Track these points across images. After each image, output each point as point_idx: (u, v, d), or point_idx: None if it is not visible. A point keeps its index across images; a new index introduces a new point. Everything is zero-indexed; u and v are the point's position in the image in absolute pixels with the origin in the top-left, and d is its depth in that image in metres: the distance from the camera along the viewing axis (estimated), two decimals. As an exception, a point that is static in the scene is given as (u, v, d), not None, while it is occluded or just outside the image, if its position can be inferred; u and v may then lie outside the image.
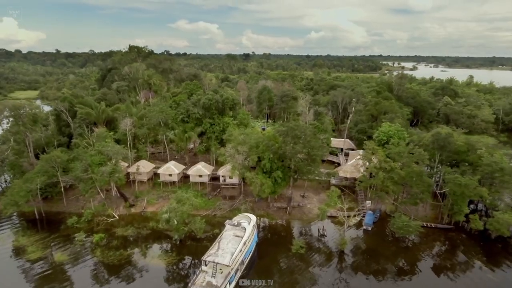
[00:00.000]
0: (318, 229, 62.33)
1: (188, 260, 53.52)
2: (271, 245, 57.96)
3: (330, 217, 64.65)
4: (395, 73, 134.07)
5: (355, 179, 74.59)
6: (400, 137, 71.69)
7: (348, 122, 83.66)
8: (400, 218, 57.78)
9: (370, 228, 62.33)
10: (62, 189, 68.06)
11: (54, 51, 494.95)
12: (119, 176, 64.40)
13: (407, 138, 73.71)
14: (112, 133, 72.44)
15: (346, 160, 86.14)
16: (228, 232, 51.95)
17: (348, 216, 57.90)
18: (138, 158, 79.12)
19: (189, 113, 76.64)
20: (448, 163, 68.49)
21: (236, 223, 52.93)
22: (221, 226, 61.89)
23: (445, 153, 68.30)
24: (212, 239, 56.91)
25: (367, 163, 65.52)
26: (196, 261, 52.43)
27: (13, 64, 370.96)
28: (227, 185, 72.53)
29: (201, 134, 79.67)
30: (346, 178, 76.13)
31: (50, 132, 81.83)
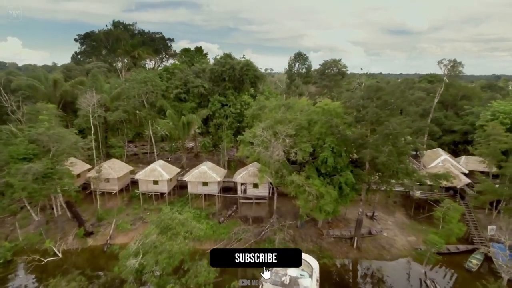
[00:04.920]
0: (422, 280, 34.10)
1: None
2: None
3: (441, 254, 36.65)
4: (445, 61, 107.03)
5: (454, 189, 46.88)
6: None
7: (433, 107, 56.05)
8: None
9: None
10: (-28, 206, 40.08)
11: (51, 64, 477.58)
12: (64, 183, 36.66)
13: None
14: (54, 106, 45.06)
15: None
16: (271, 300, 23.67)
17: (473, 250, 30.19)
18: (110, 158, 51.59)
19: (188, 87, 49.85)
20: None
21: (287, 280, 24.62)
22: (242, 276, 33.65)
23: None
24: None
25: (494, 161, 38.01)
26: None
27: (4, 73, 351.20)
28: (249, 199, 44.61)
29: (206, 121, 52.60)
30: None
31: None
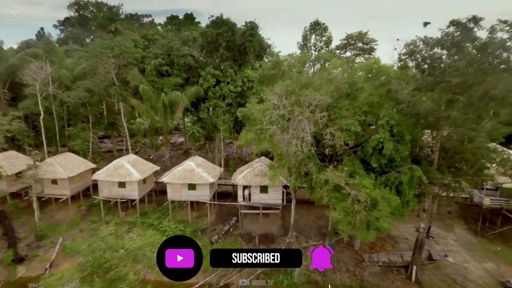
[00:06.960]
0: None
1: None
2: None
3: None
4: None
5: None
6: None
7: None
8: None
9: None
10: None
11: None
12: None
13: None
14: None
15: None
16: None
17: None
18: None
19: (172, 57, 37.41)
20: None
21: None
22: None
23: None
24: None
25: None
26: None
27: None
28: (255, 208, 31.58)
29: (196, 106, 40.06)
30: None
31: None
